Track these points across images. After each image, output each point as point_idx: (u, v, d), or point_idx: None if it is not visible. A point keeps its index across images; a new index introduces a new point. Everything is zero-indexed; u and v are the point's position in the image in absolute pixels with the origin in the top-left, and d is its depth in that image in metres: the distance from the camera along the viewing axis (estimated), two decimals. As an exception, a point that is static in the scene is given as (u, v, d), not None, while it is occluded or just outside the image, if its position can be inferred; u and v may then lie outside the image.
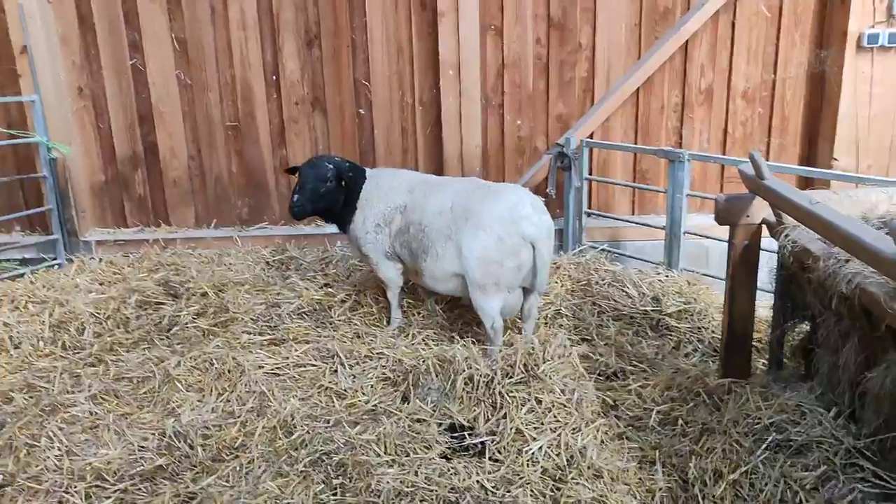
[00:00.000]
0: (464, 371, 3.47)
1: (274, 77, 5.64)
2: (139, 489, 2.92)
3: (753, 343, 3.68)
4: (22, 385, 3.75)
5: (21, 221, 5.98)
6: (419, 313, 4.48)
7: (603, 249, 5.38)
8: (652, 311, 4.52)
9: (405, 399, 3.55)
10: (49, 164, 5.56)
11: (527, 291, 4.02)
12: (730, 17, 5.45)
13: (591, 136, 5.59)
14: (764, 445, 2.89)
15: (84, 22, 5.58)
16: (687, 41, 5.45)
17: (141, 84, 5.70)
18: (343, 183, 4.20)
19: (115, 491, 2.89)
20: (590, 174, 5.60)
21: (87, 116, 5.76)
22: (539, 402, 3.27)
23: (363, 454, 3.05)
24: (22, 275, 5.36)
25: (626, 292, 4.72)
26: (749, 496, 2.74)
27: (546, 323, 4.42)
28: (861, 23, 5.26)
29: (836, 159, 5.46)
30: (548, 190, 5.56)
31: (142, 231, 5.94)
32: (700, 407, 3.39)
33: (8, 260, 5.78)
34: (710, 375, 3.63)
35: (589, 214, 5.56)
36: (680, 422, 3.33)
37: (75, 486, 2.88)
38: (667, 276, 4.87)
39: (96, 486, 2.91)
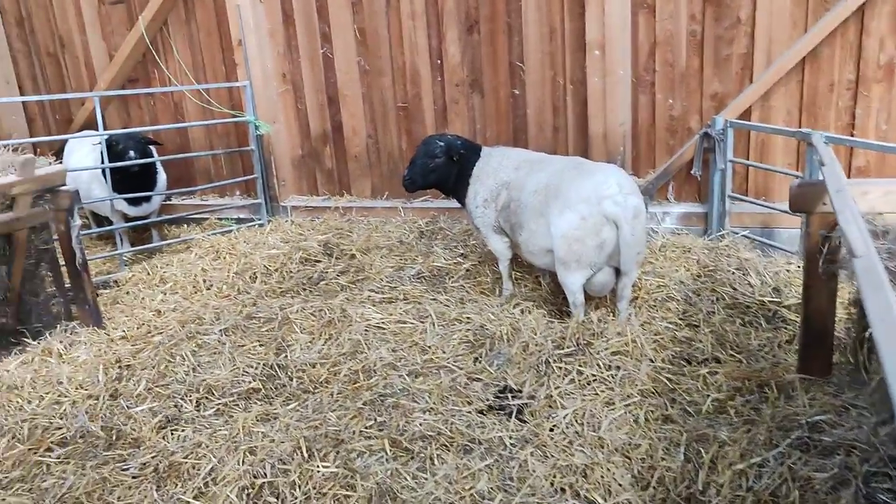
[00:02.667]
0: (525, 339, 3.73)
1: (438, 61, 6.13)
2: (236, 404, 3.62)
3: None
4: (193, 318, 4.69)
5: (240, 186, 7.19)
6: (526, 286, 4.74)
7: (744, 236, 5.16)
8: (770, 301, 4.32)
9: (477, 360, 3.89)
10: (256, 140, 6.62)
11: (619, 271, 4.10)
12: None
13: (746, 117, 5.33)
14: (787, 441, 2.81)
15: (287, 17, 6.51)
16: (864, 9, 4.97)
17: (329, 70, 6.52)
18: (454, 159, 4.57)
19: (218, 403, 3.62)
20: (746, 157, 5.37)
21: (289, 99, 6.73)
22: (580, 373, 3.43)
23: (412, 400, 3.47)
24: (231, 231, 6.48)
25: (749, 281, 4.54)
26: (751, 488, 2.71)
27: (653, 305, 4.43)
28: None
29: None
30: (692, 171, 5.45)
31: (328, 199, 6.82)
32: (758, 400, 3.31)
33: (227, 218, 7.01)
34: (789, 370, 3.49)
35: (733, 198, 5.33)
36: (732, 411, 3.29)
37: (190, 396, 3.66)
38: (798, 268, 4.58)
39: (206, 397, 3.67)
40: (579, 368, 3.48)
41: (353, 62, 6.40)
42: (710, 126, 5.24)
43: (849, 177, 5.22)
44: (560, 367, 3.53)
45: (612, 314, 4.19)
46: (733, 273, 4.64)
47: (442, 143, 4.60)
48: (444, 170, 4.61)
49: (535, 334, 3.77)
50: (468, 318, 4.24)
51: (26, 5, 7.44)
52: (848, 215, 2.26)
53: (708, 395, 3.45)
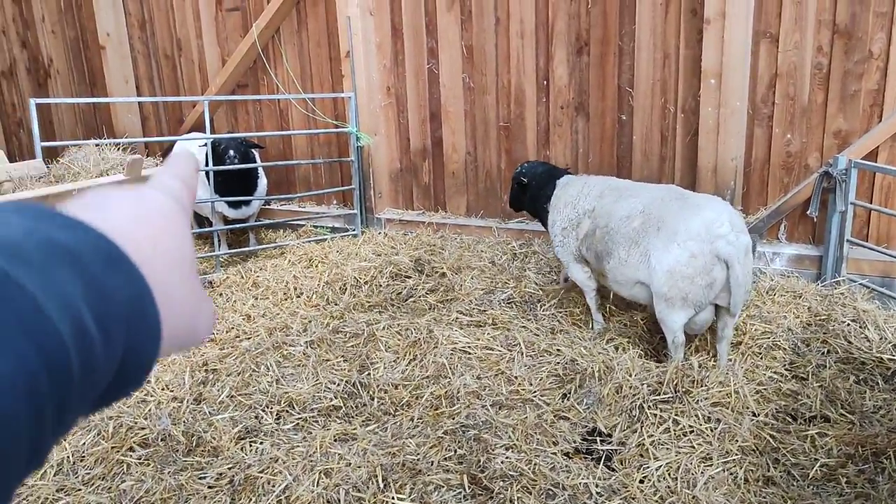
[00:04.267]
0: (619, 380, 3.53)
1: (544, 82, 6.00)
2: (316, 421, 3.58)
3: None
4: (281, 326, 4.70)
5: (337, 196, 7.24)
6: (620, 321, 4.52)
7: (862, 284, 4.78)
8: (889, 359, 3.96)
9: (566, 397, 3.71)
10: (357, 151, 6.65)
11: (720, 310, 3.88)
12: None
13: (872, 158, 4.95)
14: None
15: (396, 31, 6.53)
16: None
17: (434, 85, 6.48)
18: (531, 185, 4.78)
19: (298, 418, 3.58)
20: (869, 200, 4.99)
21: (391, 112, 6.73)
22: (677, 423, 3.20)
23: (495, 435, 3.32)
24: (325, 239, 6.52)
25: (866, 334, 4.18)
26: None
27: (757, 353, 4.14)
28: None
29: None
30: (809, 211, 5.09)
31: (423, 214, 6.77)
32: (873, 470, 3.00)
33: (322, 226, 7.07)
34: (915, 441, 3.16)
35: (852, 243, 4.95)
36: (843, 481, 3.00)
37: (271, 408, 3.63)
38: (926, 325, 4.19)
39: (286, 410, 3.64)
40: (676, 417, 3.25)
41: (458, 78, 6.35)
42: (832, 165, 4.88)
43: None
44: (655, 414, 3.31)
45: (713, 360, 3.92)
46: (848, 324, 4.29)
47: (519, 169, 4.86)
48: (519, 195, 4.90)
49: (630, 375, 3.56)
50: (558, 350, 4.07)
51: (149, 9, 7.76)
52: None
53: (816, 460, 3.16)
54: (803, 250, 5.27)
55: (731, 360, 3.89)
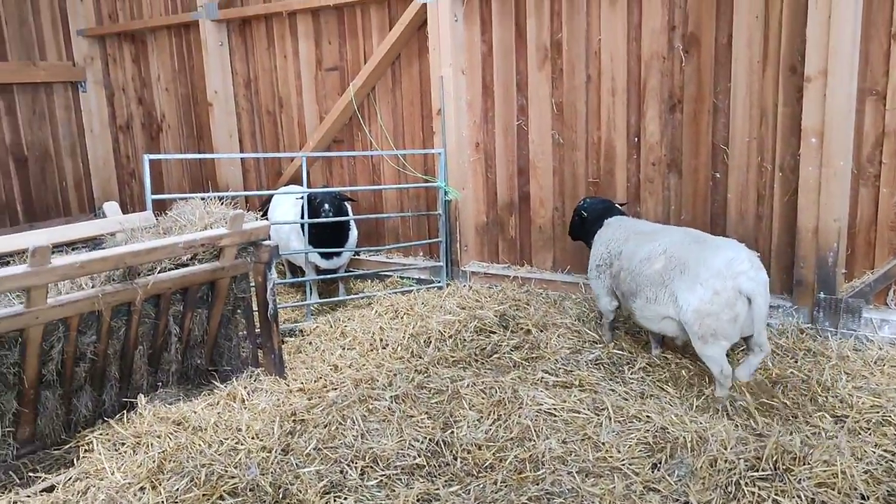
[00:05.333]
0: (713, 452, 3.38)
1: (636, 139, 5.95)
2: (399, 478, 3.57)
3: None
4: (367, 378, 4.75)
5: (424, 248, 7.34)
6: (712, 389, 4.34)
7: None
8: None
9: (655, 467, 3.58)
10: (444, 205, 6.75)
11: (746, 341, 4.30)
12: None
13: None
14: None
15: (486, 89, 6.65)
16: None
17: (523, 141, 6.54)
18: (583, 220, 5.37)
19: (382, 475, 3.59)
20: None
21: (479, 167, 6.82)
22: (777, 503, 3.03)
23: None
24: (412, 291, 6.60)
25: None
26: None
27: (865, 428, 3.88)
28: None
29: None
30: (920, 278, 4.82)
31: (508, 268, 6.77)
32: None
33: (408, 278, 7.17)
34: None
35: (971, 313, 4.63)
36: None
37: (356, 463, 3.66)
38: None
39: (370, 466, 3.65)
40: (776, 497, 3.07)
41: (548, 135, 6.38)
42: (947, 229, 4.61)
43: None
44: (753, 493, 3.14)
45: (816, 436, 3.70)
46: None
47: (584, 203, 5.42)
48: (578, 230, 5.48)
49: (725, 448, 3.40)
50: (648, 416, 3.94)
51: (254, 69, 8.19)
52: None
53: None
54: (915, 318, 4.96)
55: (835, 436, 3.65)
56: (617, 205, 5.42)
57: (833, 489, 3.16)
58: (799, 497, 3.09)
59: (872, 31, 4.89)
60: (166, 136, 9.36)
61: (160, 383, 4.64)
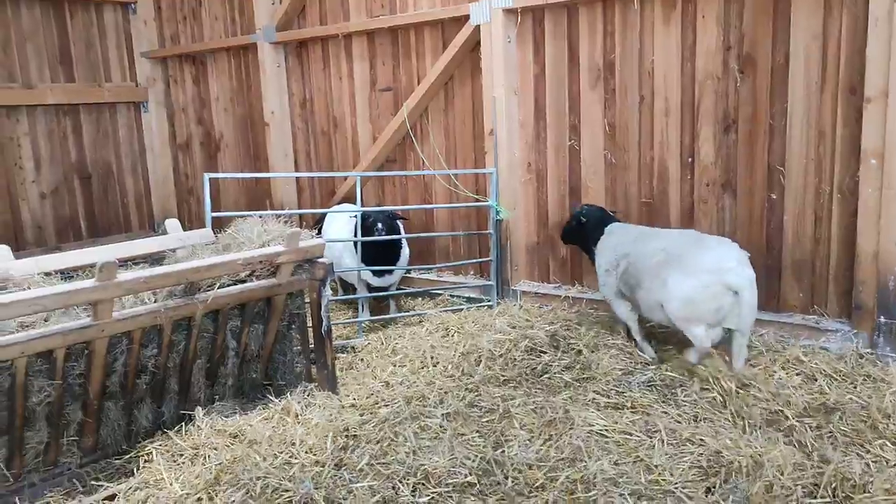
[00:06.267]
0: (769, 478, 3.32)
1: (689, 159, 5.91)
2: (450, 496, 3.59)
3: None
4: (419, 395, 4.80)
5: (475, 267, 7.39)
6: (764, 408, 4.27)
7: None
8: None
9: (709, 491, 3.54)
10: (495, 224, 6.79)
11: (733, 333, 4.71)
12: None
13: None
14: None
15: (539, 110, 6.69)
16: None
17: (574, 161, 6.55)
18: (583, 225, 5.71)
19: (433, 492, 3.61)
20: None
21: (531, 187, 6.85)
22: (834, 532, 2.97)
23: (632, 526, 3.21)
24: (461, 309, 6.64)
25: None
26: None
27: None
28: None
29: None
30: None
31: (559, 287, 6.76)
32: None
33: (459, 296, 7.21)
34: None
35: None
36: None
37: (407, 479, 3.69)
38: None
39: (422, 483, 3.68)
40: (834, 526, 3.02)
41: (600, 155, 6.39)
42: None
43: None
44: (810, 520, 3.09)
45: (870, 465, 3.61)
46: None
47: (582, 210, 5.78)
48: (574, 235, 5.84)
49: (782, 474, 3.35)
50: (702, 440, 3.89)
51: (310, 90, 8.40)
52: None
53: None
54: (982, 344, 4.80)
55: (893, 463, 3.55)
56: (610, 212, 5.89)
57: (895, 520, 3.08)
58: (859, 527, 3.02)
59: (935, 50, 4.79)
60: (224, 155, 9.64)
61: (217, 396, 4.76)
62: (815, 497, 3.18)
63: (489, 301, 6.87)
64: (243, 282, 4.53)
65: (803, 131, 5.36)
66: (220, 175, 7.85)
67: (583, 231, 5.73)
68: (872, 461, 3.68)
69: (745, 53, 5.53)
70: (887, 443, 3.86)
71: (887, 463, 3.63)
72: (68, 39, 9.40)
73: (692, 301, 4.63)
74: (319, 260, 4.81)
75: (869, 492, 3.20)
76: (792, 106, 5.38)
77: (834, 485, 3.20)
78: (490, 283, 6.92)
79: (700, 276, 4.61)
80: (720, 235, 5.72)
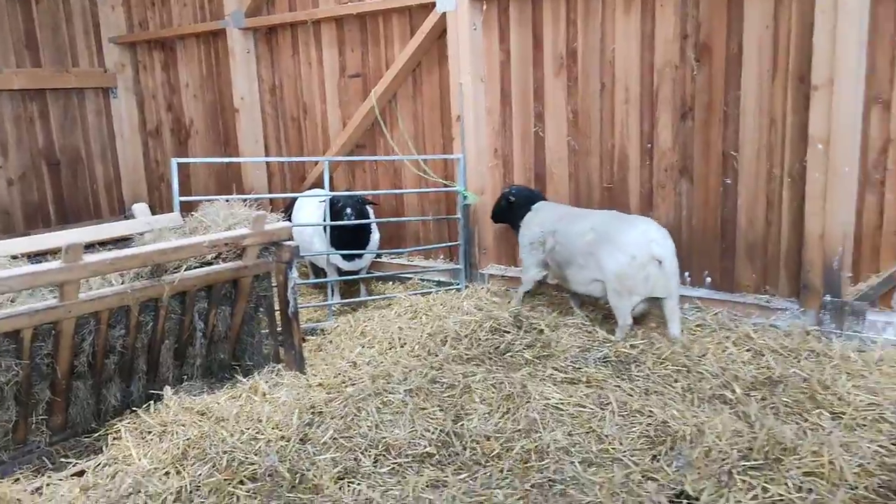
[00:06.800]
0: (708, 443, 3.52)
1: (648, 145, 6.09)
2: (410, 466, 3.75)
3: None
4: (384, 374, 4.94)
5: (444, 251, 7.53)
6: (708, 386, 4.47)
7: None
8: None
9: (655, 458, 3.73)
10: (463, 209, 6.93)
11: (663, 301, 5.21)
12: None
13: None
14: None
15: (505, 97, 6.83)
16: None
17: (539, 148, 6.71)
18: (511, 204, 6.18)
19: (394, 463, 3.77)
20: None
21: (498, 173, 7.00)
22: (766, 490, 3.17)
23: (581, 491, 3.39)
24: (430, 292, 6.78)
25: None
26: None
27: (862, 425, 3.97)
28: None
29: None
30: (924, 281, 4.91)
31: (524, 271, 6.92)
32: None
33: (428, 280, 7.36)
34: None
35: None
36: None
37: (369, 451, 3.85)
38: None
39: (383, 454, 3.84)
40: (765, 485, 3.21)
41: (563, 141, 6.54)
42: (951, 234, 4.71)
43: None
44: (744, 481, 3.28)
45: (805, 432, 3.81)
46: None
47: (511, 190, 6.23)
48: (504, 213, 6.29)
49: (720, 440, 3.55)
50: (651, 411, 4.08)
51: (279, 76, 8.47)
52: None
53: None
54: (920, 321, 5.05)
55: (830, 431, 3.77)
56: (537, 194, 6.34)
57: (821, 478, 3.28)
58: (787, 485, 3.22)
59: (878, 40, 4.99)
60: (194, 141, 9.68)
61: (185, 376, 4.87)
62: (749, 460, 3.38)
63: (458, 284, 7.02)
64: (210, 264, 4.64)
65: (756, 118, 5.55)
66: (189, 160, 7.92)
67: (512, 209, 6.16)
68: (810, 429, 3.88)
69: (701, 42, 5.71)
70: (824, 412, 4.06)
71: (823, 430, 3.83)
72: (34, 24, 9.36)
73: (626, 274, 5.08)
74: (286, 243, 4.92)
75: (798, 454, 3.41)
76: (745, 93, 5.57)
77: (767, 448, 3.40)
78: (459, 266, 7.07)
79: (630, 250, 5.07)
80: (684, 222, 5.96)
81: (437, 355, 5.24)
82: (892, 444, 3.78)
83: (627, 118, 6.17)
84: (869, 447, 3.64)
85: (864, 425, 3.91)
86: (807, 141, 5.24)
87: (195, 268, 4.55)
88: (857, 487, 3.28)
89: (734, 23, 5.55)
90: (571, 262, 5.49)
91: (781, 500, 3.19)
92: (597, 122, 6.34)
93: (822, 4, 4.95)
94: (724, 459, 3.43)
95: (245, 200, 5.30)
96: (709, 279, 5.95)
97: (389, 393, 4.48)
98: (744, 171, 5.67)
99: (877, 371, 4.50)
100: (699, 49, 5.73)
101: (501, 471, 3.69)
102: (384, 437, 3.93)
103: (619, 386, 4.49)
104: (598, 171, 6.41)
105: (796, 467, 3.35)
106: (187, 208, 5.81)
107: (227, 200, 5.22)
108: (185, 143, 9.80)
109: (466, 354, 5.19)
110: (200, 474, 3.71)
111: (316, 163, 8.10)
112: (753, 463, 3.38)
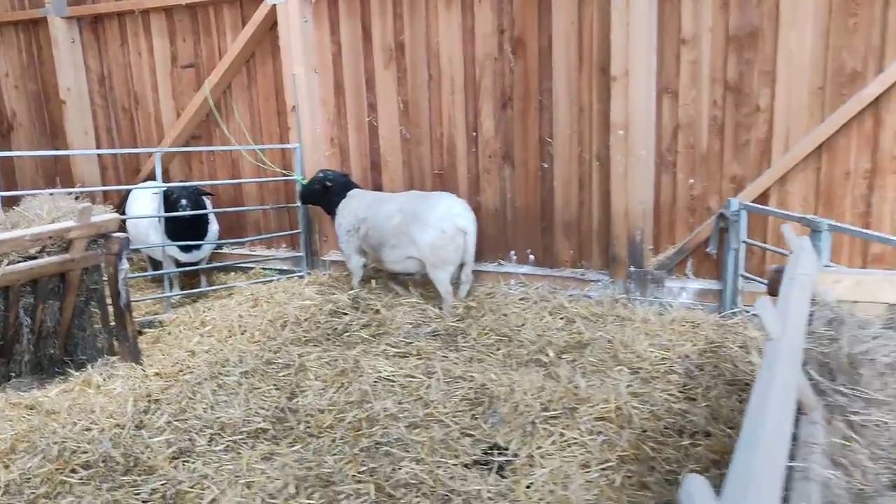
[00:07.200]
0: (517, 399, 3.94)
1: (473, 134, 6.51)
2: (245, 442, 3.92)
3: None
4: (222, 360, 5.04)
5: (286, 240, 7.65)
6: (519, 347, 4.94)
7: (755, 314, 5.26)
8: (768, 380, 4.42)
9: (474, 417, 4.11)
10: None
11: (462, 265, 5.87)
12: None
13: (764, 200, 5.50)
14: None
15: (338, 87, 7.03)
16: (879, 103, 5.13)
17: (374, 137, 6.97)
18: (326, 189, 6.37)
19: (229, 440, 3.93)
20: (763, 239, 5.53)
21: (335, 161, 7.19)
22: (563, 435, 3.62)
23: (404, 450, 3.70)
24: (272, 280, 6.89)
25: (750, 359, 4.66)
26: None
27: (655, 377, 4.56)
28: None
29: None
30: (708, 249, 5.62)
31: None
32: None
33: (271, 269, 7.45)
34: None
35: (746, 278, 5.46)
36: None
37: (204, 432, 3.98)
38: (801, 349, 4.67)
39: (218, 434, 3.98)
40: (562, 431, 3.66)
41: (396, 131, 6.84)
42: (726, 207, 5.42)
43: (865, 264, 5.34)
44: (545, 429, 3.72)
45: (601, 381, 4.34)
46: (736, 350, 4.76)
47: (321, 175, 6.43)
48: (318, 196, 6.46)
49: (527, 395, 3.98)
50: (472, 376, 4.47)
51: (108, 65, 8.21)
52: (784, 300, 2.45)
53: (685, 466, 3.58)
54: (707, 285, 5.77)
55: (618, 382, 4.30)
56: (352, 182, 6.61)
57: (610, 423, 3.78)
58: (580, 429, 3.69)
59: (666, 37, 5.64)
60: (18, 133, 9.16)
61: (13, 374, 4.76)
62: (549, 410, 3.83)
63: (300, 272, 7.17)
64: (34, 258, 4.56)
65: (567, 107, 6.09)
66: (10, 153, 7.54)
67: (328, 195, 6.40)
68: (611, 383, 4.40)
69: (516, 36, 6.17)
70: (624, 368, 4.62)
71: (621, 383, 4.36)
72: None
73: (439, 247, 5.61)
74: (114, 234, 4.90)
75: (591, 402, 3.90)
76: (556, 84, 6.09)
77: (564, 399, 3.86)
78: (300, 254, 7.22)
79: (440, 225, 5.60)
80: (509, 204, 6.42)
81: (276, 339, 5.40)
82: (679, 392, 4.37)
83: (454, 108, 6.55)
84: (660, 395, 4.20)
85: (657, 377, 4.48)
86: (609, 128, 5.83)
87: (18, 262, 4.46)
88: (645, 430, 3.80)
89: (544, 18, 6.05)
90: (384, 243, 5.89)
91: (576, 441, 3.64)
92: (426, 111, 6.68)
93: (617, 3, 5.53)
94: (529, 412, 3.85)
95: (71, 194, 5.20)
96: (532, 256, 6.47)
97: (225, 376, 4.61)
98: (558, 156, 6.20)
99: (670, 330, 5.12)
100: (515, 43, 6.19)
101: (334, 440, 3.93)
102: (219, 418, 4.07)
103: (445, 356, 4.85)
104: (429, 158, 6.76)
105: (589, 414, 3.82)
106: (11, 203, 5.61)
107: (51, 194, 5.10)
108: (7, 137, 9.25)
109: (305, 336, 5.39)
110: (30, 466, 3.70)
111: (150, 155, 7.94)
112: (553, 413, 3.82)
